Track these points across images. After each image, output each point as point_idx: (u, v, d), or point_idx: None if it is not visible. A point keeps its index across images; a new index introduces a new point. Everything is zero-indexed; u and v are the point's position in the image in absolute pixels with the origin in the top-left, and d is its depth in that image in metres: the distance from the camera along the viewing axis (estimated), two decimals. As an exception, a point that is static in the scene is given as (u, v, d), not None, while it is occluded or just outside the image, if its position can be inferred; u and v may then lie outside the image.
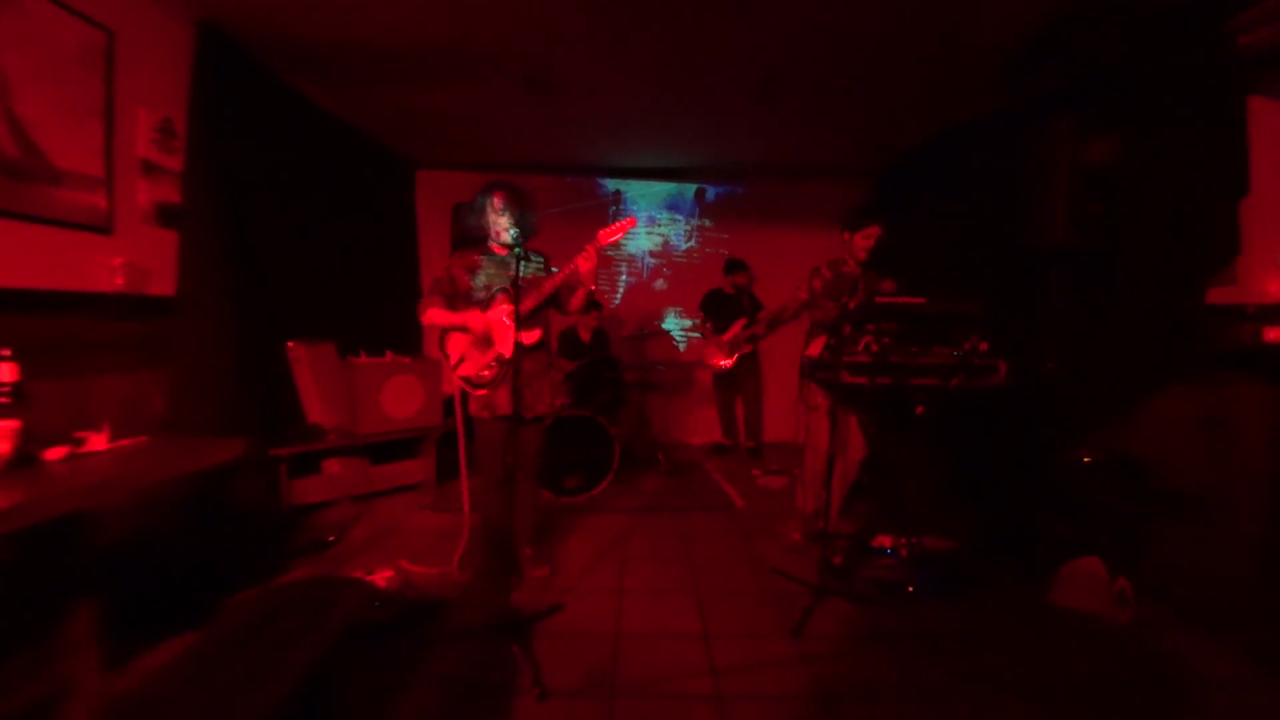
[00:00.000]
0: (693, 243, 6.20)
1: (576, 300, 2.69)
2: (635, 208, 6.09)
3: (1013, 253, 3.21)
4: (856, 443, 3.19)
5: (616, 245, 6.00)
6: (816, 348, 3.22)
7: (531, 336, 2.60)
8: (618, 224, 2.52)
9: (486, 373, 2.60)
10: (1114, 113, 2.79)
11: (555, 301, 2.71)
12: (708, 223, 6.18)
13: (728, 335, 5.07)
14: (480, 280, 2.64)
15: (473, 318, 2.59)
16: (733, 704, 1.96)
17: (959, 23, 2.90)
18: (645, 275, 6.23)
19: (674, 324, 6.24)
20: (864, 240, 3.16)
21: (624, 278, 6.22)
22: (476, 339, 2.61)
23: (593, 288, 2.65)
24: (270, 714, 1.27)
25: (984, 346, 2.54)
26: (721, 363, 5.12)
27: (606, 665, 2.17)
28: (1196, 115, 2.54)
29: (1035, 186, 2.87)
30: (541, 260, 2.75)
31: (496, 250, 2.67)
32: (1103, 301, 2.87)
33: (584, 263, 2.51)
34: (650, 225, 6.18)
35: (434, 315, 2.63)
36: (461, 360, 2.63)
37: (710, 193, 6.13)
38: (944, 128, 4.25)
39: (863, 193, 5.64)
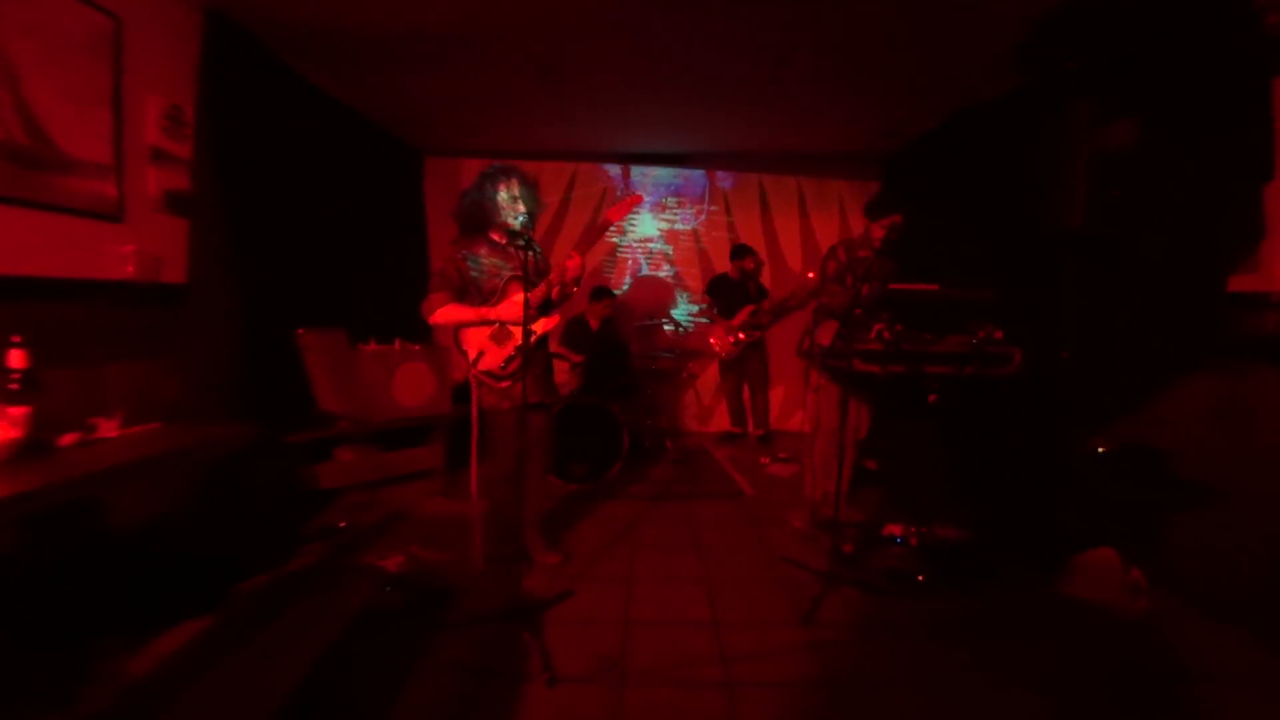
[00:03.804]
0: (700, 225, 6.15)
1: (556, 295, 2.69)
2: (643, 193, 6.05)
3: (1028, 239, 3.16)
4: (858, 425, 3.21)
5: (623, 231, 6.03)
6: (826, 334, 3.21)
7: (549, 324, 2.61)
8: (625, 201, 2.53)
9: (510, 365, 2.58)
10: (1135, 95, 2.72)
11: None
12: (715, 208, 6.13)
13: (735, 321, 5.05)
14: (485, 271, 2.61)
15: (502, 311, 2.54)
16: (742, 691, 1.96)
17: (974, 3, 2.84)
18: (653, 262, 6.20)
19: (682, 311, 6.21)
20: (880, 230, 3.13)
21: (631, 264, 6.19)
22: (494, 331, 2.60)
23: (574, 291, 2.67)
24: (284, 697, 1.28)
25: (999, 334, 2.50)
26: (726, 349, 5.11)
27: (616, 652, 2.17)
28: (1221, 97, 2.47)
29: (1052, 171, 2.81)
30: (539, 250, 2.72)
31: (498, 239, 2.65)
32: (1121, 289, 2.82)
33: (573, 268, 2.53)
34: (658, 211, 6.14)
35: (446, 314, 2.55)
36: (481, 355, 2.60)
37: (723, 179, 6.08)
38: (957, 112, 4.17)
39: (872, 178, 5.58)
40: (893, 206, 3.12)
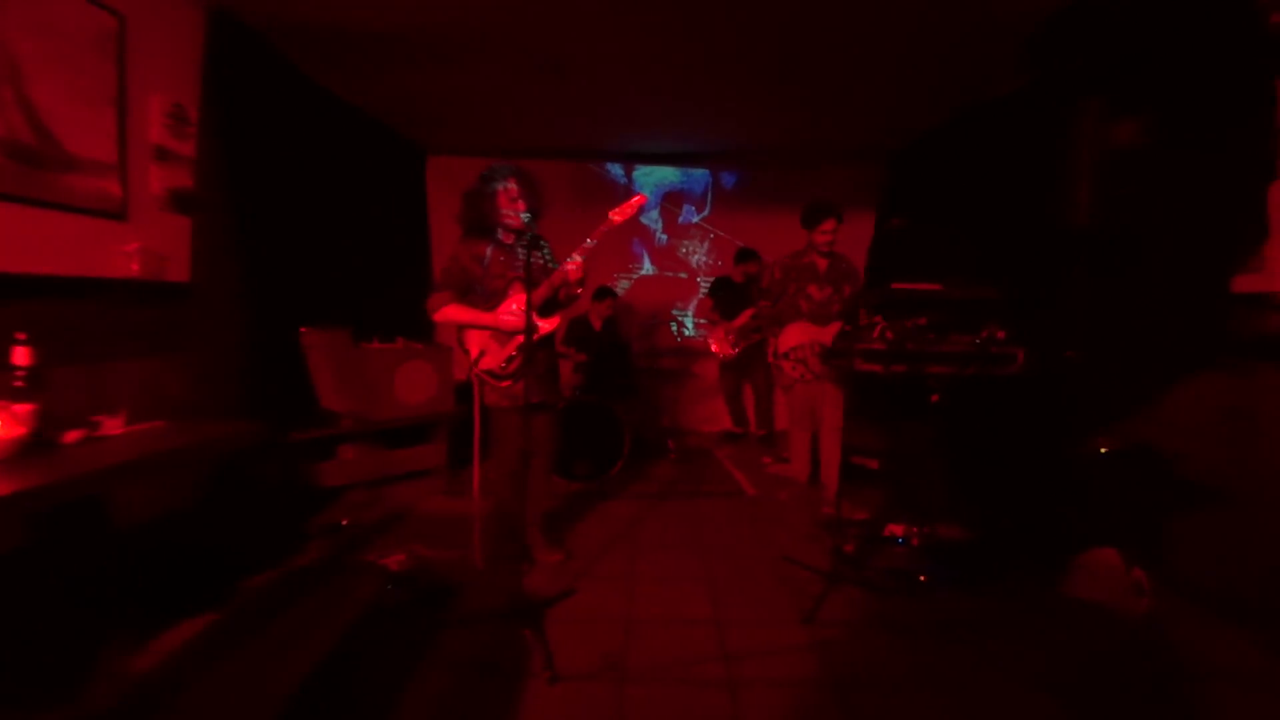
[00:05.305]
0: (703, 221, 6.14)
1: (563, 296, 2.69)
2: (646, 193, 6.05)
3: (1033, 237, 3.15)
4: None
5: (625, 230, 6.02)
6: (792, 336, 3.60)
7: (552, 324, 2.61)
8: (629, 202, 2.52)
9: (511, 365, 2.58)
10: (1140, 93, 2.72)
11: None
12: (720, 208, 6.12)
13: (736, 323, 5.06)
14: (490, 270, 2.61)
15: (502, 318, 2.56)
16: (744, 689, 1.96)
17: (981, 0, 2.83)
18: (656, 261, 6.20)
19: (684, 311, 6.21)
20: (820, 236, 3.47)
21: (634, 264, 6.19)
22: (496, 331, 2.60)
23: (579, 292, 2.66)
24: (288, 694, 1.29)
25: (1001, 334, 2.50)
26: (726, 351, 5.11)
27: (618, 650, 2.17)
28: (1225, 96, 2.47)
29: (1058, 169, 2.81)
30: (547, 247, 2.73)
31: (505, 238, 2.65)
32: (1125, 288, 2.81)
33: (574, 271, 2.52)
34: (662, 210, 6.13)
35: (451, 313, 2.59)
36: (482, 354, 2.61)
37: (726, 178, 6.07)
38: (963, 109, 4.16)
39: (876, 175, 5.57)
40: (823, 213, 3.45)
